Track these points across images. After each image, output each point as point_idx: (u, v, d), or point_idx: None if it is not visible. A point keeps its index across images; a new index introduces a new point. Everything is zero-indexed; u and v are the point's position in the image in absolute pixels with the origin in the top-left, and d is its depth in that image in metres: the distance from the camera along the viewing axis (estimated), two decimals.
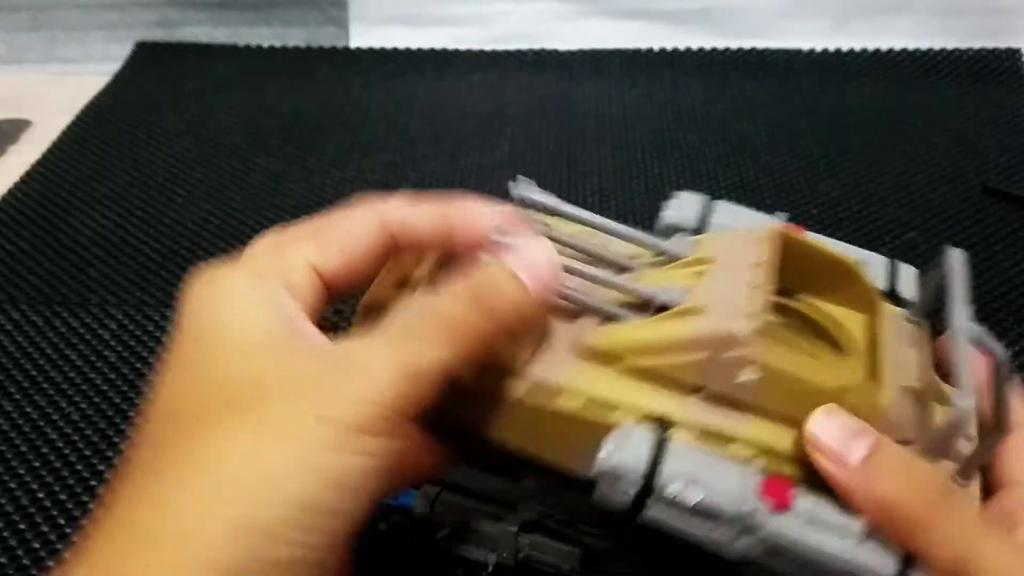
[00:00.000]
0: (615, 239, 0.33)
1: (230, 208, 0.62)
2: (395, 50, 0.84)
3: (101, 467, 0.43)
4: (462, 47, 0.84)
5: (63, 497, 0.42)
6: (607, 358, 0.29)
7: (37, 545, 0.40)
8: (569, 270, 0.31)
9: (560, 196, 0.32)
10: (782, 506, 0.26)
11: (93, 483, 0.42)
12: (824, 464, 0.26)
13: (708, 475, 0.26)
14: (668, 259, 0.32)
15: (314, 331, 0.28)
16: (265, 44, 0.86)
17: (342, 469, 0.24)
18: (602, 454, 0.27)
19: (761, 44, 0.81)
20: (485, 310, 0.27)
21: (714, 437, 0.28)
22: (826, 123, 0.71)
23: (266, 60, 0.83)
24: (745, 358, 0.27)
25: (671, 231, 0.35)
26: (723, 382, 0.28)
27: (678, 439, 0.27)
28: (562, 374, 0.29)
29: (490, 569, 0.37)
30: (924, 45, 0.80)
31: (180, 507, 0.23)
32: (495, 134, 0.71)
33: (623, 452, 0.27)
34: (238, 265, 0.28)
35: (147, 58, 0.84)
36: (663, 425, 0.28)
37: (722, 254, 0.31)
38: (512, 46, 0.83)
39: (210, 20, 0.87)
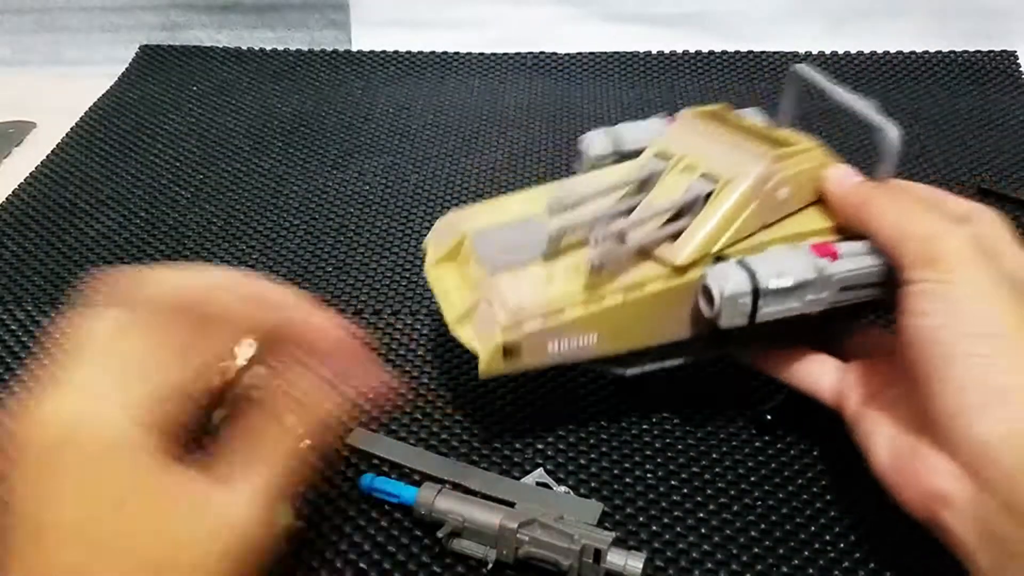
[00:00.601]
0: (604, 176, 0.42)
1: (233, 210, 0.63)
2: (396, 53, 0.84)
3: None
4: (463, 50, 0.84)
5: None
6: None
7: None
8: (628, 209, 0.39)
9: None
10: (834, 256, 0.36)
11: None
12: (835, 190, 0.39)
13: (784, 265, 0.36)
14: (649, 178, 0.40)
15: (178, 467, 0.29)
16: (268, 47, 0.86)
17: None
18: (716, 291, 0.35)
19: (757, 47, 0.81)
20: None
21: (768, 244, 0.38)
22: (821, 125, 0.72)
23: (269, 63, 0.84)
24: (781, 179, 0.38)
25: (601, 164, 0.44)
26: (772, 206, 0.38)
27: (748, 256, 0.37)
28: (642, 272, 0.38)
29: (490, 566, 0.38)
30: (919, 48, 0.80)
31: None
32: (495, 136, 0.71)
33: (729, 280, 0.35)
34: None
35: (151, 61, 0.85)
36: (723, 258, 0.37)
37: (683, 145, 0.40)
38: (512, 49, 0.83)
39: (213, 23, 0.87)
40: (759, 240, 0.38)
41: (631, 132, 0.45)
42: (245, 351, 0.33)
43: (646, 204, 0.39)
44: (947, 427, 0.31)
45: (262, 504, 0.29)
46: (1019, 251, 0.36)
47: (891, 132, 0.38)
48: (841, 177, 0.39)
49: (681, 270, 0.38)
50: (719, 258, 0.38)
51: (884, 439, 0.35)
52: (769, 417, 0.44)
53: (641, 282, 0.38)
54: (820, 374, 0.39)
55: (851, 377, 0.38)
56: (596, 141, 0.45)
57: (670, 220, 0.38)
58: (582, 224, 0.39)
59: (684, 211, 0.38)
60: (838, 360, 0.40)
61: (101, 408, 0.28)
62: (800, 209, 0.40)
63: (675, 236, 0.38)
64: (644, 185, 0.41)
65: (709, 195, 0.38)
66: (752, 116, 0.45)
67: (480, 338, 0.38)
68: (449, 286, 0.41)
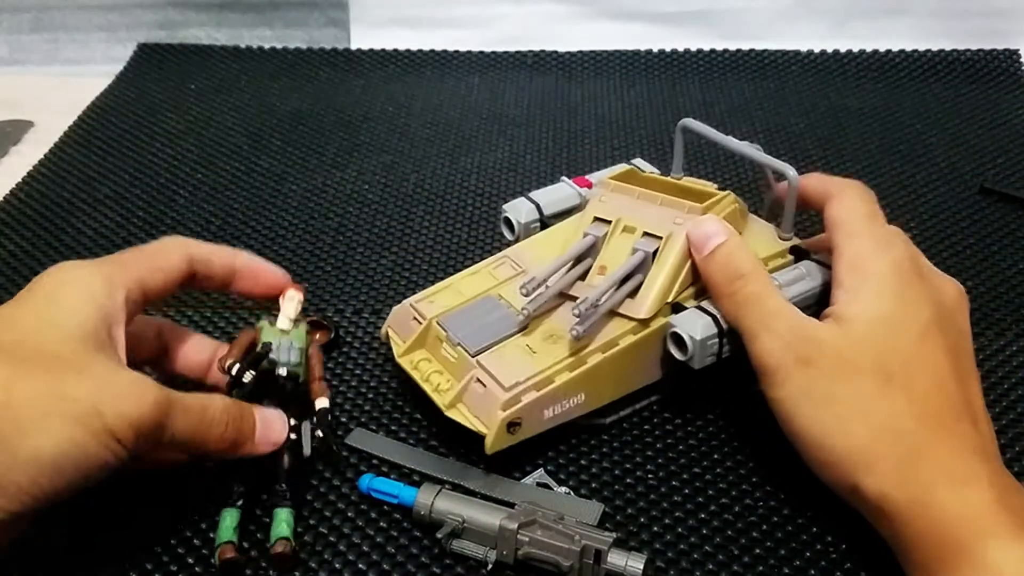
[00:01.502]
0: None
1: (231, 209, 0.62)
2: (396, 52, 0.84)
3: None
4: (462, 49, 0.84)
5: None
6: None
7: (38, 544, 0.40)
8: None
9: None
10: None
11: None
12: (692, 251, 0.42)
13: None
14: (594, 243, 0.44)
15: (121, 341, 0.36)
16: (266, 45, 0.86)
17: (87, 452, 0.32)
18: (687, 338, 0.40)
19: (760, 46, 0.81)
20: (224, 436, 0.37)
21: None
22: (824, 124, 0.72)
23: (267, 61, 0.84)
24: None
25: (530, 229, 0.49)
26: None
27: (703, 302, 0.41)
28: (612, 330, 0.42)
29: (489, 567, 0.37)
30: (922, 47, 0.80)
31: None
32: (495, 135, 0.71)
33: (697, 327, 0.40)
34: (94, 264, 0.37)
35: (149, 59, 0.84)
36: (678, 307, 0.42)
37: (615, 210, 0.44)
38: (512, 48, 0.83)
39: (212, 22, 0.87)
40: (701, 284, 0.42)
41: (547, 197, 0.50)
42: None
43: (598, 267, 0.43)
44: None
45: (158, 416, 0.34)
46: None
47: (791, 173, 0.43)
48: (701, 238, 0.42)
49: (645, 322, 0.42)
50: (675, 306, 0.42)
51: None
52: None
53: (614, 340, 0.42)
54: None
55: None
56: (523, 209, 0.49)
57: (624, 279, 0.42)
58: (550, 297, 0.42)
59: (636, 270, 0.42)
60: None
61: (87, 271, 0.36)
62: None
63: (632, 292, 0.42)
64: (590, 250, 0.44)
65: (654, 252, 0.42)
66: (647, 168, 0.51)
67: (480, 417, 0.40)
68: (427, 371, 0.43)
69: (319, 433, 0.40)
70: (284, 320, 0.41)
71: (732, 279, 0.40)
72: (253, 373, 0.39)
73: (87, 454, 0.32)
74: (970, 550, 0.32)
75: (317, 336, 0.46)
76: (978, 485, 0.33)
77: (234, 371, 0.39)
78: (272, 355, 0.40)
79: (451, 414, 0.41)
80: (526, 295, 0.41)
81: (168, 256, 0.40)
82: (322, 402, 0.41)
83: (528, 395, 0.40)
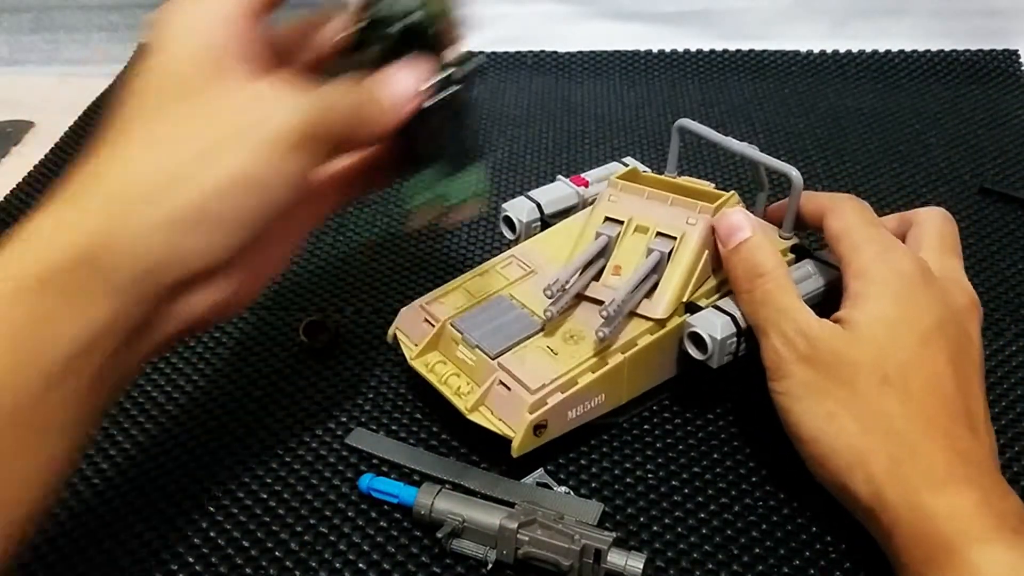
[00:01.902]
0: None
1: None
2: None
3: (104, 465, 0.43)
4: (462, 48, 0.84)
5: (65, 496, 0.42)
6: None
7: (37, 542, 0.40)
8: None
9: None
10: None
11: (96, 481, 0.43)
12: (718, 243, 0.42)
13: None
14: (607, 244, 0.44)
15: (260, 50, 0.34)
16: None
17: (271, 168, 0.32)
18: (707, 337, 0.40)
19: (759, 46, 0.81)
20: (355, 114, 0.34)
21: (721, 284, 0.44)
22: (824, 125, 0.72)
23: None
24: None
25: (532, 228, 0.49)
26: (717, 252, 0.43)
27: (719, 301, 0.42)
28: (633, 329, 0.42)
29: (489, 566, 0.37)
30: (921, 47, 0.80)
31: (144, 165, 0.31)
32: (495, 135, 0.71)
33: (716, 327, 0.40)
34: None
35: None
36: (691, 307, 0.43)
37: (625, 210, 0.45)
38: (512, 48, 0.83)
39: None
40: (713, 282, 0.44)
41: (547, 196, 0.50)
42: None
43: (612, 267, 0.44)
44: None
45: (315, 116, 0.33)
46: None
47: (793, 174, 0.43)
48: (728, 231, 0.42)
49: (662, 322, 0.42)
50: (689, 305, 0.43)
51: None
52: None
53: (633, 340, 0.42)
54: None
55: None
56: (525, 208, 0.49)
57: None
58: (569, 299, 0.43)
59: (651, 270, 0.42)
60: None
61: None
62: None
63: (649, 293, 0.42)
64: (603, 251, 0.44)
65: (669, 252, 0.43)
66: (640, 167, 0.51)
67: (505, 420, 0.40)
68: (444, 374, 0.42)
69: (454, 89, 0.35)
70: None
71: (753, 276, 0.40)
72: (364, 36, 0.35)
73: (270, 170, 0.32)
74: (955, 552, 0.32)
75: None
76: (965, 487, 0.33)
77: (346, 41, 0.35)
78: (380, 9, 0.34)
79: (474, 417, 0.41)
80: (550, 297, 0.41)
81: None
82: (458, 48, 0.36)
83: (554, 397, 0.40)
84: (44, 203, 0.31)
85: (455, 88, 0.35)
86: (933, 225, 0.42)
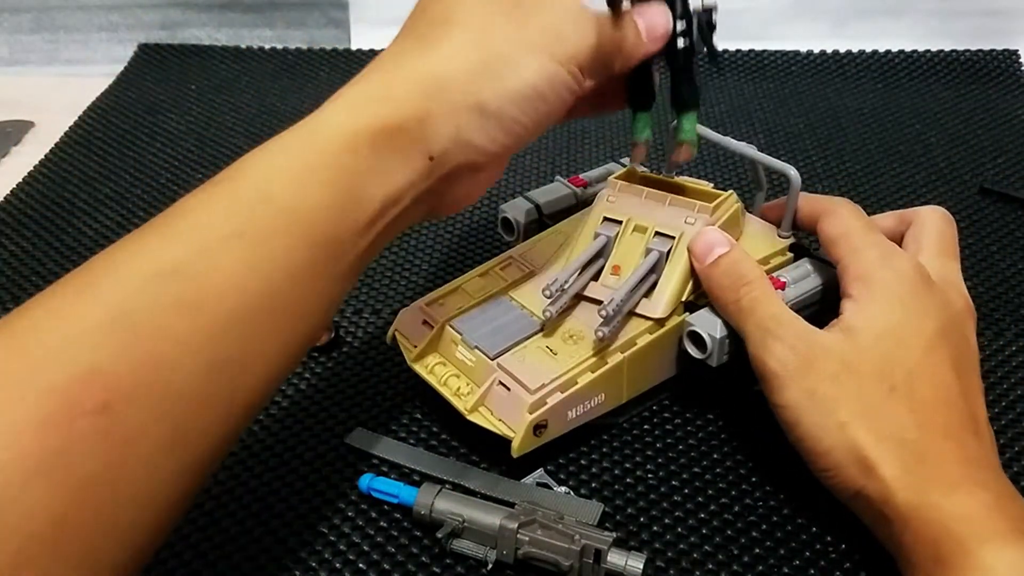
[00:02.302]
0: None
1: None
2: None
3: None
4: None
5: None
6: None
7: None
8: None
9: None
10: (783, 287, 0.42)
11: None
12: (694, 262, 0.42)
13: None
14: (606, 244, 0.44)
15: None
16: (267, 46, 0.86)
17: (557, 80, 0.36)
18: (707, 337, 0.40)
19: (759, 46, 0.81)
20: (622, 44, 0.38)
21: None
22: (824, 125, 0.72)
23: (268, 62, 0.84)
24: (719, 228, 0.43)
25: (530, 228, 0.50)
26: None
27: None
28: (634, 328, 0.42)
29: (489, 567, 0.37)
30: (922, 47, 0.80)
31: (463, 54, 0.35)
32: None
33: (716, 327, 0.40)
34: None
35: (150, 60, 0.85)
36: (690, 306, 0.43)
37: (624, 210, 0.45)
38: None
39: (212, 22, 0.87)
40: None
41: (545, 197, 0.51)
42: None
43: (611, 267, 0.44)
44: None
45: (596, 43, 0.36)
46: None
47: (791, 173, 0.43)
48: (705, 248, 0.42)
49: (661, 322, 0.42)
50: (688, 305, 0.43)
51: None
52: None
53: (632, 339, 0.42)
54: None
55: None
56: (523, 208, 0.50)
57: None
58: (568, 299, 0.43)
59: (650, 269, 0.43)
60: None
61: None
62: None
63: (647, 292, 0.43)
64: (602, 251, 0.44)
65: (667, 252, 0.43)
66: (643, 170, 0.50)
67: (505, 420, 0.40)
68: (444, 375, 0.42)
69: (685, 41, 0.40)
70: None
71: (737, 286, 0.40)
72: None
73: (557, 83, 0.36)
74: (968, 553, 0.32)
75: None
76: (977, 490, 0.33)
77: None
78: None
79: (474, 418, 0.41)
80: (549, 297, 0.41)
81: None
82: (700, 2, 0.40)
83: (553, 396, 0.40)
84: (365, 71, 0.36)
85: (694, 37, 0.39)
86: (933, 226, 0.42)
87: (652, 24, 0.39)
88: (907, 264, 0.39)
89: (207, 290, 0.29)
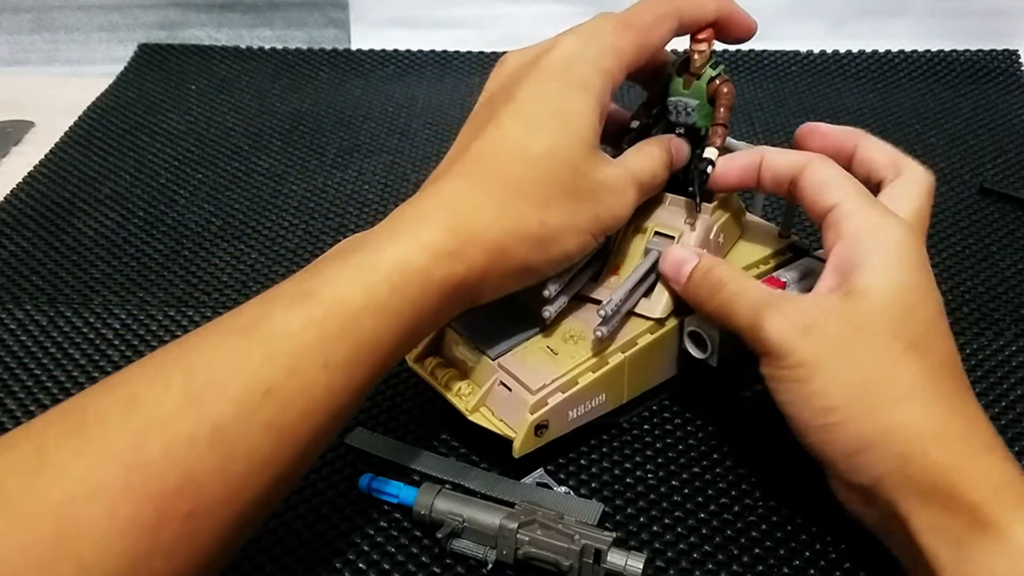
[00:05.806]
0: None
1: (232, 209, 0.63)
2: (396, 52, 0.84)
3: None
4: (462, 49, 0.84)
5: None
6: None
7: None
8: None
9: None
10: (783, 286, 0.42)
11: None
12: (672, 285, 0.42)
13: None
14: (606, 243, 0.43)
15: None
16: (267, 46, 0.86)
17: (586, 248, 0.40)
18: (707, 337, 0.41)
19: (758, 46, 0.81)
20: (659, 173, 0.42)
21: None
22: None
23: (268, 62, 0.84)
24: (719, 228, 0.44)
25: None
26: (715, 251, 0.43)
27: None
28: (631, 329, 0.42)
29: (489, 567, 0.37)
30: (922, 47, 0.80)
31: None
32: None
33: (716, 327, 0.40)
34: (599, 53, 0.40)
35: (149, 59, 0.85)
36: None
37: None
38: (512, 48, 0.83)
39: (212, 22, 0.87)
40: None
41: None
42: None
43: (611, 267, 0.44)
44: None
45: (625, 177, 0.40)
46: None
47: None
48: (674, 267, 0.42)
49: (661, 321, 0.42)
50: (688, 305, 0.42)
51: None
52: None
53: (633, 339, 0.42)
54: None
55: None
56: None
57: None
58: (567, 299, 0.43)
59: (649, 269, 0.43)
60: None
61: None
62: (730, 248, 0.45)
63: (647, 292, 0.43)
64: (602, 251, 0.43)
65: None
66: None
67: (506, 421, 0.40)
68: (444, 376, 0.42)
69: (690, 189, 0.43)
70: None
71: (716, 289, 0.39)
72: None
73: (586, 249, 0.40)
74: (996, 525, 0.30)
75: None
76: (1002, 455, 0.33)
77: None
78: (671, 115, 0.43)
79: (475, 418, 0.41)
80: (548, 297, 0.41)
81: (660, 30, 0.40)
82: (708, 151, 0.42)
83: (555, 397, 0.40)
84: (444, 201, 0.41)
85: (707, 169, 0.42)
86: (918, 194, 0.39)
87: (678, 162, 0.43)
88: (905, 227, 0.37)
89: (292, 413, 0.32)
